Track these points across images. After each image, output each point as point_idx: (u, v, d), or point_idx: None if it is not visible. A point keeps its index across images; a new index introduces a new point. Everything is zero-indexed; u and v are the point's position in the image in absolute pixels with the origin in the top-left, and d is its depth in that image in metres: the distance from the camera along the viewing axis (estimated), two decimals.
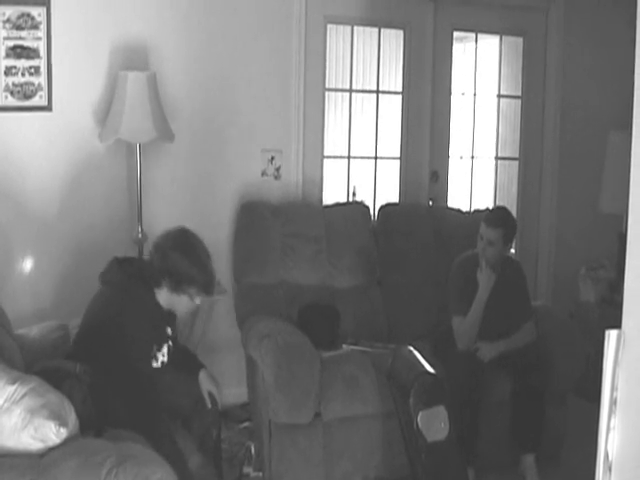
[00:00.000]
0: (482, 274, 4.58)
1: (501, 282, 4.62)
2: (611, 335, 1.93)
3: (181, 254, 3.64)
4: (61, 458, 2.60)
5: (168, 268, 3.62)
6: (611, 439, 1.95)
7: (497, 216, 4.67)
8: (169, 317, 3.86)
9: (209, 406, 3.93)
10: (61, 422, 2.70)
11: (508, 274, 4.69)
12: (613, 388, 1.93)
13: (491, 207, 5.60)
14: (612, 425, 1.95)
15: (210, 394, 3.93)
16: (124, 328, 3.51)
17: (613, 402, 1.94)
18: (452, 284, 4.76)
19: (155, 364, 3.76)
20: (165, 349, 3.83)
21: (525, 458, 4.44)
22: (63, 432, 2.70)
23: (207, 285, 3.71)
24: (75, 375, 3.32)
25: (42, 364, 3.40)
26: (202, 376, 3.95)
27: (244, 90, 5.39)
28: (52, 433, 2.68)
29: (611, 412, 1.94)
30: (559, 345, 4.70)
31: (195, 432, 3.88)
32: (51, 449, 2.68)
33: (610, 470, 1.96)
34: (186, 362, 4.04)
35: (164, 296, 3.70)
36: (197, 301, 3.75)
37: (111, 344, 3.48)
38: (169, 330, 3.88)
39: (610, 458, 1.95)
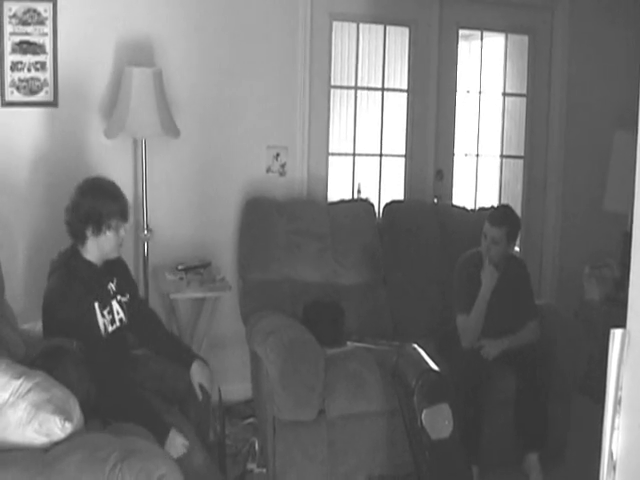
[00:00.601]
0: (485, 271, 4.59)
1: (505, 280, 4.63)
2: (616, 334, 1.93)
3: (89, 196, 3.69)
4: (66, 453, 2.61)
5: (84, 213, 3.65)
6: (615, 438, 1.95)
7: (500, 214, 4.67)
8: (109, 273, 3.87)
9: (199, 398, 3.92)
10: (66, 417, 2.71)
11: (512, 272, 4.69)
12: (618, 387, 1.93)
13: (495, 205, 5.57)
14: (616, 424, 1.95)
15: (201, 386, 3.92)
16: (64, 307, 3.56)
17: (617, 401, 1.94)
18: (456, 282, 4.77)
19: (111, 326, 3.77)
20: (116, 306, 3.85)
21: (529, 456, 4.44)
22: (68, 427, 2.71)
23: (123, 211, 3.75)
24: (73, 352, 3.34)
25: (44, 344, 3.41)
26: (194, 368, 3.93)
27: (249, 86, 5.40)
28: (57, 428, 2.69)
29: (615, 411, 1.94)
30: (563, 344, 4.70)
31: (191, 419, 3.89)
32: (56, 444, 2.70)
33: (614, 469, 1.96)
34: (179, 354, 4.03)
35: (92, 247, 3.72)
36: (122, 232, 3.77)
37: (64, 327, 3.52)
38: (112, 285, 3.88)
39: (614, 457, 1.95)
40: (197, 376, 3.92)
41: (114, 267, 3.92)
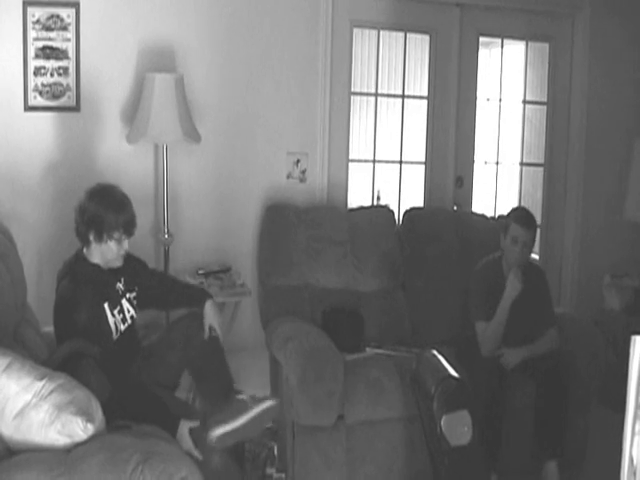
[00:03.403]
0: (510, 279, 4.56)
1: (525, 288, 4.62)
2: (637, 340, 1.94)
3: (96, 202, 3.70)
4: (88, 453, 2.62)
5: (89, 219, 3.67)
6: (636, 443, 1.96)
7: (528, 215, 4.67)
8: (116, 272, 3.88)
9: (206, 336, 3.97)
10: (88, 418, 2.72)
11: (531, 280, 4.68)
12: (638, 393, 1.94)
13: (513, 209, 5.33)
14: (637, 429, 1.95)
15: (211, 327, 3.97)
16: (74, 311, 3.58)
17: (638, 406, 1.94)
18: (474, 289, 4.76)
19: (122, 324, 3.81)
20: (126, 304, 3.89)
21: (548, 464, 4.41)
22: (90, 428, 2.72)
23: (127, 225, 3.74)
24: (92, 356, 3.36)
25: (65, 347, 3.43)
26: (207, 307, 4.00)
27: (270, 93, 5.42)
28: (79, 429, 2.70)
29: (636, 417, 1.94)
30: (583, 352, 4.68)
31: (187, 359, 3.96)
32: (78, 445, 2.70)
33: (635, 474, 1.96)
34: (192, 294, 4.10)
35: (95, 252, 3.74)
36: (125, 245, 3.77)
37: (76, 332, 3.54)
38: (120, 285, 3.91)
39: (635, 462, 1.96)
40: (209, 317, 3.99)
41: (122, 265, 3.93)
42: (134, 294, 3.99)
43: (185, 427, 3.45)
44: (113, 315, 3.76)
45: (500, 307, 4.54)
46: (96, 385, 3.14)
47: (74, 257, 3.81)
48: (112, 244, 3.71)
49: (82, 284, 3.65)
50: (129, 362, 3.77)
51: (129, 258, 3.98)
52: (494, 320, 4.54)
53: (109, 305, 3.75)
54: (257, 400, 3.71)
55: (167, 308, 4.17)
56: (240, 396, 3.73)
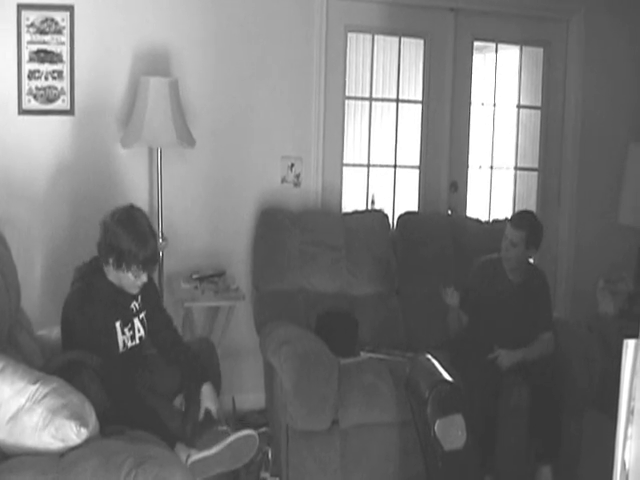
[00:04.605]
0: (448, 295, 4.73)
1: (525, 290, 4.63)
2: (629, 344, 1.94)
3: (122, 228, 3.58)
4: (81, 458, 2.62)
5: (110, 243, 3.58)
6: (628, 448, 1.96)
7: (522, 218, 4.67)
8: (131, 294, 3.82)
9: (200, 418, 3.82)
10: (82, 422, 2.73)
11: (532, 283, 4.69)
12: (630, 397, 1.94)
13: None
14: (629, 434, 1.95)
15: (207, 410, 3.84)
16: (79, 320, 3.55)
17: (630, 411, 1.94)
18: (468, 282, 4.77)
19: (131, 342, 3.78)
20: (137, 323, 3.84)
21: (542, 469, 4.42)
22: (84, 432, 2.72)
23: (146, 261, 3.62)
24: (91, 366, 3.35)
25: (64, 357, 3.42)
26: (204, 390, 3.85)
27: (265, 97, 5.42)
28: (73, 433, 2.70)
29: (628, 421, 1.94)
30: (577, 357, 4.68)
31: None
32: (71, 449, 2.70)
33: (627, 479, 1.96)
34: (193, 372, 3.94)
35: (112, 273, 3.66)
36: (143, 278, 3.68)
37: (80, 341, 3.53)
38: (136, 304, 3.85)
39: (627, 467, 1.96)
40: (205, 400, 3.84)
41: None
42: (145, 313, 3.93)
43: (181, 450, 3.41)
44: (123, 333, 3.73)
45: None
46: (95, 395, 3.13)
47: (94, 264, 3.73)
48: (129, 275, 3.63)
49: (93, 299, 3.60)
50: (130, 375, 3.72)
51: (149, 282, 3.89)
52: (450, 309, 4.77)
53: (121, 324, 3.71)
54: (236, 431, 3.64)
55: (162, 354, 4.06)
56: (222, 428, 3.66)
